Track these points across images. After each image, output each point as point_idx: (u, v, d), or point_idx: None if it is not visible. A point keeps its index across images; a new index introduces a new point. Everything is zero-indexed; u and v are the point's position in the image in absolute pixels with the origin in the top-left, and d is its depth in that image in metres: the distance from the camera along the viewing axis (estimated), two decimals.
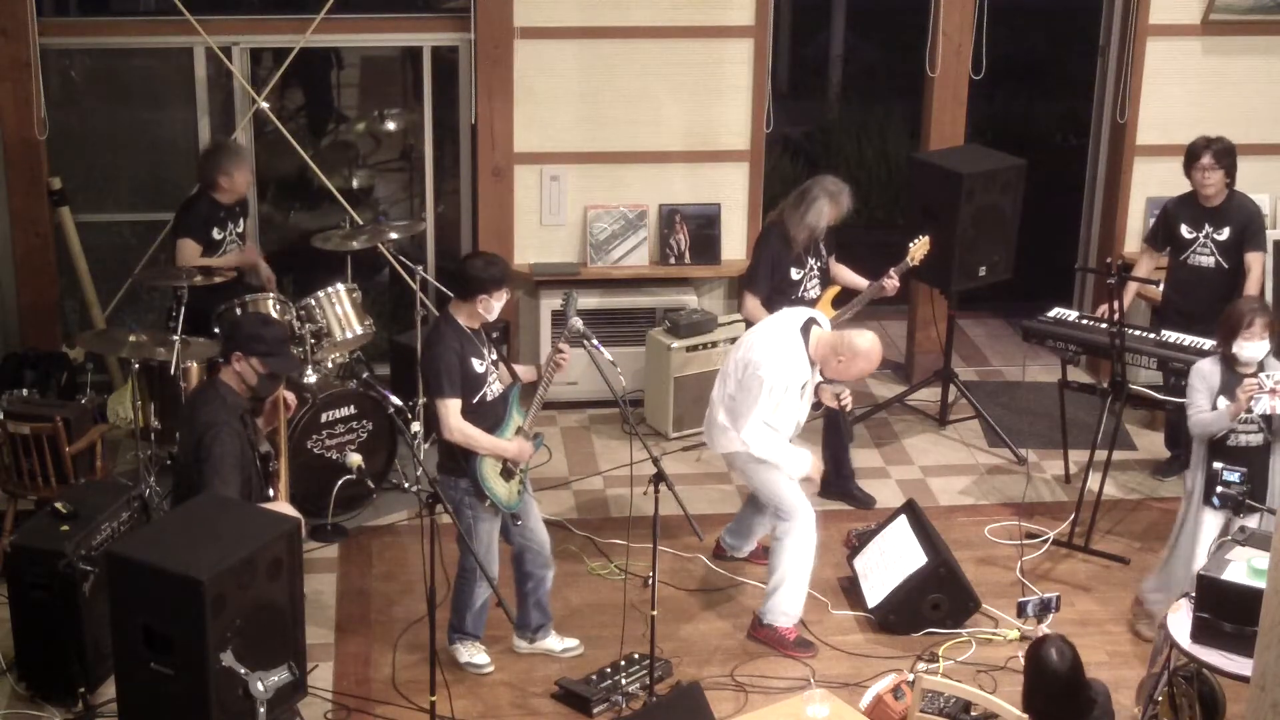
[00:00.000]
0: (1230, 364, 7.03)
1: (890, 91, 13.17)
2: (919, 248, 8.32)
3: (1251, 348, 6.95)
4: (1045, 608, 6.52)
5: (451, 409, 6.63)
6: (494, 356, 6.84)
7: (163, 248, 9.25)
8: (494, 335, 6.99)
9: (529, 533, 6.96)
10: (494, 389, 6.79)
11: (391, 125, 11.34)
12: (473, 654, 7.04)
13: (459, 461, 6.73)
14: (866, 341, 7.06)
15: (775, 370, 7.02)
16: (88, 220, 9.47)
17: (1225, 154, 8.22)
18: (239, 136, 9.16)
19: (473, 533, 6.75)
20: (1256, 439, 7.01)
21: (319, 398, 8.08)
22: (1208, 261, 8.37)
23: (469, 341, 6.70)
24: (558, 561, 7.22)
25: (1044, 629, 6.38)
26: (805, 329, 7.13)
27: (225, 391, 6.37)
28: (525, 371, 7.06)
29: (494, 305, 6.70)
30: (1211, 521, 7.03)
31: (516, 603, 7.06)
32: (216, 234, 8.54)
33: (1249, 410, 6.87)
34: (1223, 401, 6.97)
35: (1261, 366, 6.99)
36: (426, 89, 9.44)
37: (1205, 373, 7.08)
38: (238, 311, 8.12)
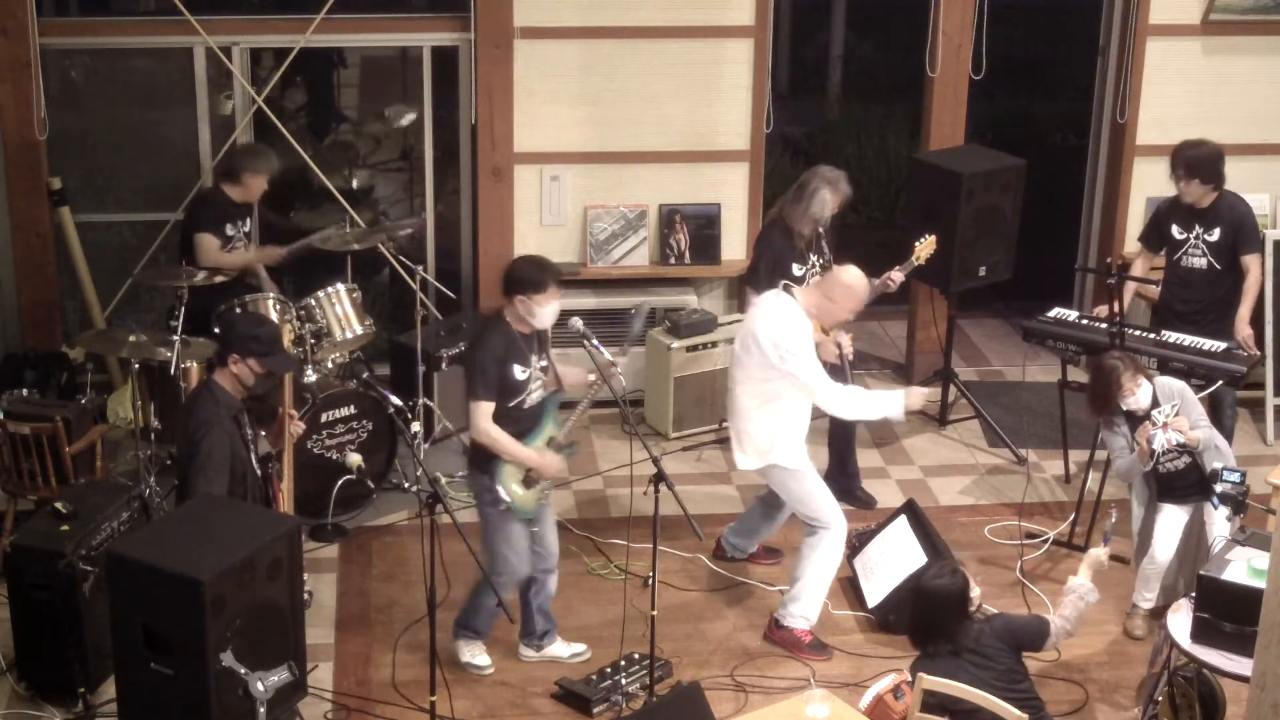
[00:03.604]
0: (1128, 415, 7.19)
1: (890, 91, 13.16)
2: (924, 247, 8.30)
3: (1136, 400, 7.12)
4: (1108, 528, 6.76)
5: (483, 410, 6.56)
6: (543, 363, 6.73)
7: (163, 247, 9.26)
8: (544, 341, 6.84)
9: (540, 539, 6.94)
10: (534, 397, 6.70)
11: (391, 125, 11.34)
12: (475, 654, 7.03)
13: (485, 461, 6.69)
14: (850, 275, 7.14)
15: (791, 337, 7.01)
16: (88, 220, 9.47)
17: (1195, 164, 8.16)
18: (239, 137, 9.16)
19: (498, 529, 6.72)
20: (1181, 462, 7.19)
21: (319, 398, 8.08)
22: (1200, 262, 8.37)
23: (514, 346, 6.59)
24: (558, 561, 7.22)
25: (1104, 553, 6.54)
26: (787, 292, 7.18)
27: (219, 392, 6.37)
28: (570, 374, 6.93)
29: (535, 310, 6.57)
30: (1169, 517, 7.26)
31: (520, 609, 7.05)
32: (229, 230, 8.55)
33: (1152, 449, 7.03)
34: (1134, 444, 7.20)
35: (1156, 401, 7.12)
36: (426, 89, 9.44)
37: (1112, 424, 7.27)
38: (236, 312, 8.12)
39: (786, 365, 7.02)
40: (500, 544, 6.73)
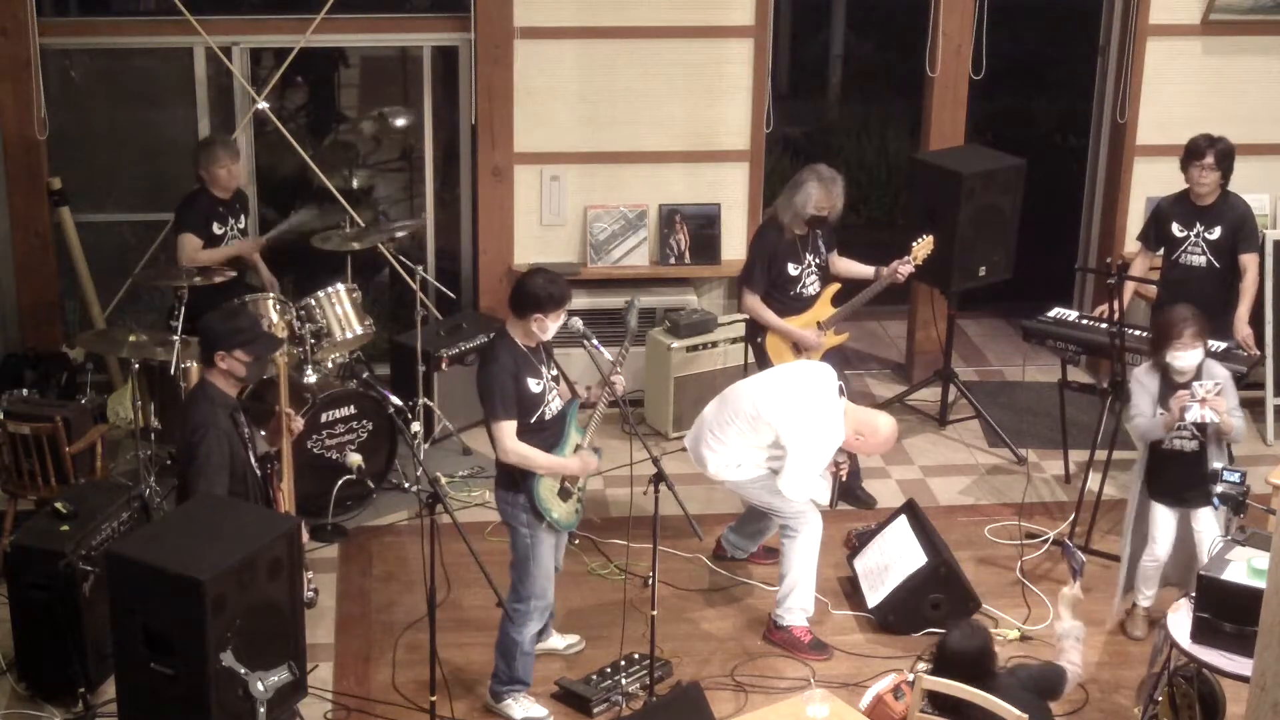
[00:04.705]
0: (1166, 373, 7.08)
1: (890, 91, 13.17)
2: (922, 247, 8.28)
3: (1184, 358, 7.00)
4: (1074, 561, 6.57)
5: (506, 430, 6.44)
6: (553, 373, 6.63)
7: (163, 247, 9.26)
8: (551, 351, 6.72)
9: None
10: (552, 407, 6.59)
11: (391, 125, 11.33)
12: (529, 708, 6.79)
13: (516, 480, 6.57)
14: (887, 425, 7.21)
15: (817, 444, 7.07)
16: (88, 220, 9.47)
17: (1225, 156, 8.21)
18: (239, 137, 9.16)
19: (531, 550, 6.61)
20: (1191, 445, 7.11)
21: (319, 398, 8.08)
22: (1199, 261, 8.37)
23: (525, 360, 6.49)
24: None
25: (1075, 588, 6.43)
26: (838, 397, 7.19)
27: (213, 393, 6.35)
28: (581, 389, 6.85)
29: (549, 325, 6.48)
30: (1164, 515, 7.19)
31: None
32: (217, 229, 8.55)
33: (1182, 419, 6.94)
34: (1161, 410, 7.04)
35: (1199, 373, 7.03)
36: (427, 89, 9.44)
37: (1144, 380, 7.17)
38: (209, 314, 8.06)
39: (788, 442, 7.06)
40: (531, 566, 6.62)
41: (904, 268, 8.21)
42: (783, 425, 7.07)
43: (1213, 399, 6.90)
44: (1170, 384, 7.07)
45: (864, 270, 8.37)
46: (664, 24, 9.24)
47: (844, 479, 7.44)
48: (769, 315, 8.11)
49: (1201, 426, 7.00)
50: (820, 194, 7.96)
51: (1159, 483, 7.24)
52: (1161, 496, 7.23)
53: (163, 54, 9.50)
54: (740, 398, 7.27)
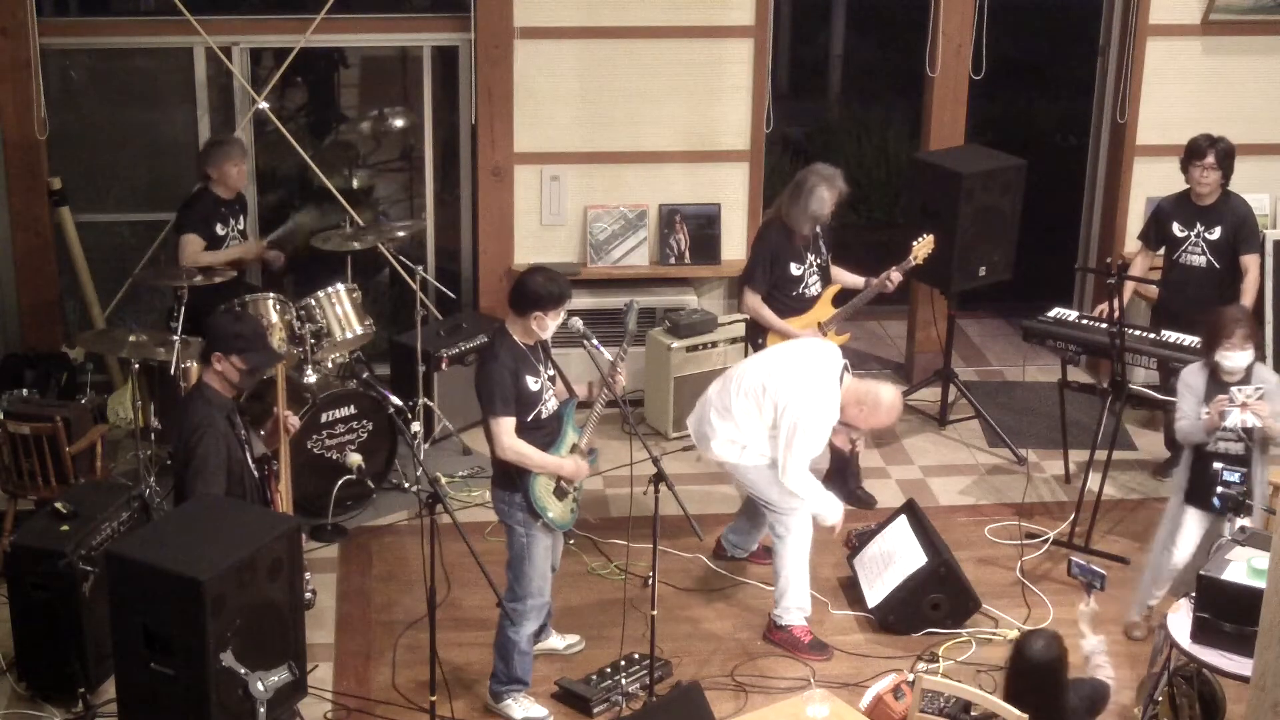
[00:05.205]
0: (1214, 373, 7.03)
1: (890, 91, 13.17)
2: (923, 246, 8.29)
3: (1233, 358, 6.94)
4: (1091, 577, 6.46)
5: (504, 427, 6.46)
6: (550, 372, 6.66)
7: (163, 247, 9.26)
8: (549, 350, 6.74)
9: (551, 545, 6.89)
10: (549, 406, 6.62)
11: (391, 125, 11.33)
12: (528, 708, 6.81)
13: (513, 478, 6.59)
14: (889, 395, 7.20)
15: (812, 417, 7.05)
16: (88, 220, 9.46)
17: (1226, 155, 8.23)
18: (239, 137, 9.16)
19: (526, 549, 6.63)
20: (1238, 448, 7.03)
21: (319, 398, 8.08)
22: (1199, 261, 8.38)
23: (524, 358, 6.52)
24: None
25: (1090, 603, 6.38)
26: (840, 376, 7.17)
27: (210, 394, 6.35)
28: (580, 388, 6.89)
29: (549, 323, 6.51)
30: (1193, 520, 7.12)
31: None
32: (219, 229, 8.56)
33: (1223, 422, 6.89)
34: (1205, 410, 6.99)
35: (1247, 375, 6.98)
36: (427, 89, 9.44)
37: (1190, 381, 7.11)
38: (221, 312, 8.08)
39: (781, 419, 7.06)
40: (527, 566, 6.65)
41: (895, 275, 8.20)
42: (781, 397, 7.07)
43: (1254, 403, 6.83)
44: (1219, 385, 7.00)
45: (854, 280, 8.36)
46: (664, 24, 9.24)
47: (859, 451, 7.39)
48: (769, 315, 8.10)
49: (1249, 431, 6.94)
50: (830, 194, 7.99)
51: (1197, 486, 7.11)
52: (1196, 500, 7.12)
53: (163, 54, 9.49)
54: (745, 375, 7.26)
